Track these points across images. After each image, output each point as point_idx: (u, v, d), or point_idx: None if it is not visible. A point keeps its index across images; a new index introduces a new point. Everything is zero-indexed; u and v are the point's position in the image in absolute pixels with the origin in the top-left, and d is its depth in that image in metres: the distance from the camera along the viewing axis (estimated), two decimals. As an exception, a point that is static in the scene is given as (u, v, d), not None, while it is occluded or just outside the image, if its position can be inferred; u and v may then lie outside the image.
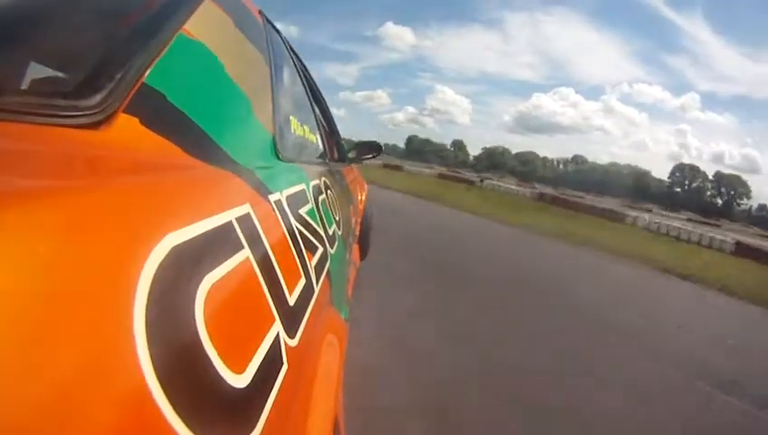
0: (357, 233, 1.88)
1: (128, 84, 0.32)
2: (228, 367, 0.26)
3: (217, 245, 0.30)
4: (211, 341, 0.25)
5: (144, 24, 0.39)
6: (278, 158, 0.62)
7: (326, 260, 0.67)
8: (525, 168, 73.28)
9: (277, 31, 0.91)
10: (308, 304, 0.48)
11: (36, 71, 0.35)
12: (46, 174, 0.22)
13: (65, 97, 0.30)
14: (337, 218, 0.95)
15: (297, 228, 0.53)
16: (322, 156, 1.24)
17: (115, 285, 0.20)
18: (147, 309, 0.21)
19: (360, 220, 2.06)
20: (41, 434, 0.15)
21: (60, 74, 0.36)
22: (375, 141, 2.10)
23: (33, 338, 0.16)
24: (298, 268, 0.48)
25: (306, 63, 1.31)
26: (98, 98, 0.30)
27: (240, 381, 0.27)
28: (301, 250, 0.51)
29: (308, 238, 0.58)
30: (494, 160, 75.01)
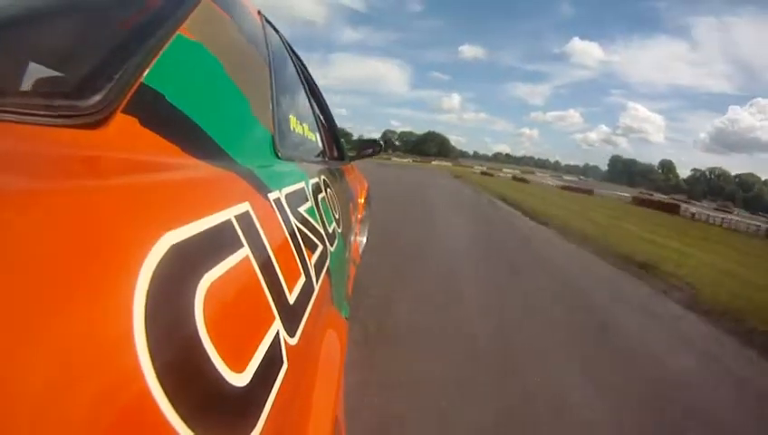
0: (357, 231, 1.88)
1: (127, 84, 0.32)
2: (228, 366, 0.26)
3: (217, 243, 0.30)
4: (211, 339, 0.25)
5: (143, 25, 0.39)
6: (277, 156, 0.62)
7: (326, 258, 0.67)
8: (747, 193, 61.28)
9: (276, 30, 0.91)
10: (308, 302, 0.49)
11: (36, 71, 0.35)
12: (46, 174, 0.22)
13: (64, 97, 0.30)
14: (337, 216, 0.95)
15: (297, 227, 0.53)
16: (322, 154, 1.24)
17: (115, 283, 0.21)
18: (146, 307, 0.21)
19: (360, 218, 2.06)
20: (41, 433, 0.16)
21: (59, 74, 0.36)
22: (375, 139, 2.10)
23: (33, 337, 0.16)
24: (298, 266, 0.48)
25: (306, 63, 1.31)
26: (97, 98, 0.30)
27: (240, 379, 0.28)
28: (300, 248, 0.51)
29: (308, 236, 0.58)
30: (711, 184, 64.34)
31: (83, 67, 0.33)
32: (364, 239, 2.63)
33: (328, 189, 0.95)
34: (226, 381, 0.26)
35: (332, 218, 0.88)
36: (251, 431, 0.28)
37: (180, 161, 0.35)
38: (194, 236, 0.27)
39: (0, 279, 0.16)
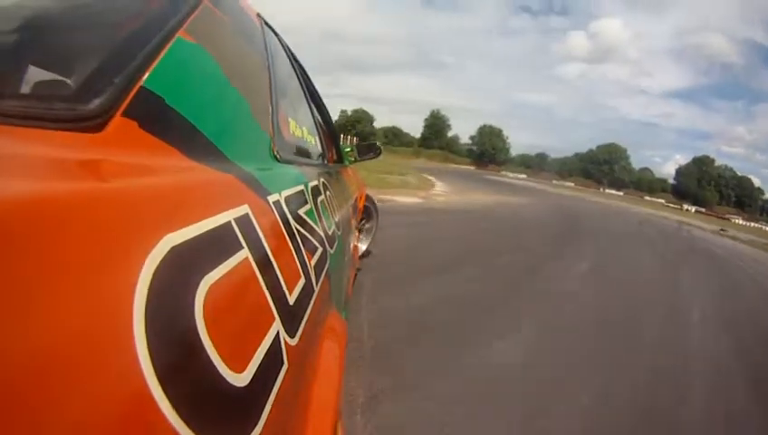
0: (356, 233, 1.88)
1: (127, 88, 0.33)
2: (229, 366, 0.27)
3: (217, 245, 0.31)
4: (211, 340, 0.25)
5: (143, 28, 0.39)
6: (276, 159, 0.62)
7: (325, 260, 0.68)
8: None
9: (276, 33, 0.91)
10: (308, 303, 0.49)
11: (36, 75, 0.36)
12: (46, 177, 0.23)
13: (65, 100, 0.31)
14: (336, 219, 0.95)
15: (296, 229, 0.53)
16: (321, 157, 1.24)
17: (116, 285, 0.21)
18: (146, 309, 0.21)
19: (359, 219, 2.06)
20: (41, 433, 0.16)
21: (59, 78, 0.36)
22: (374, 143, 2.11)
23: (33, 339, 0.16)
24: (297, 268, 0.48)
25: (305, 66, 1.31)
26: (97, 101, 0.30)
27: (240, 380, 0.28)
28: (300, 250, 0.51)
29: (307, 239, 0.58)
30: None
31: (84, 70, 0.33)
32: (364, 247, 2.63)
33: (327, 192, 0.95)
34: (227, 382, 0.26)
35: (332, 221, 0.88)
36: (251, 431, 0.28)
37: (180, 164, 0.36)
38: (194, 238, 0.28)
39: (1, 282, 0.16)
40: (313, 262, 0.58)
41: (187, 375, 0.23)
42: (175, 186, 0.32)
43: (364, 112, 53.80)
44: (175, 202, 0.30)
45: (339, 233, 0.94)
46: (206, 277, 0.27)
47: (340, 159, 1.71)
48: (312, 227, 0.64)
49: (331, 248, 0.77)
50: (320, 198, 0.82)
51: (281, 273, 0.41)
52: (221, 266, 0.30)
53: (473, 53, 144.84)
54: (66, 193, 0.22)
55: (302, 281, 0.48)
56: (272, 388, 0.32)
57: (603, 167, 57.38)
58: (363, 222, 2.58)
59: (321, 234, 0.71)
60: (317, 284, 0.56)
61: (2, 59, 0.34)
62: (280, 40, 0.96)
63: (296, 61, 1.17)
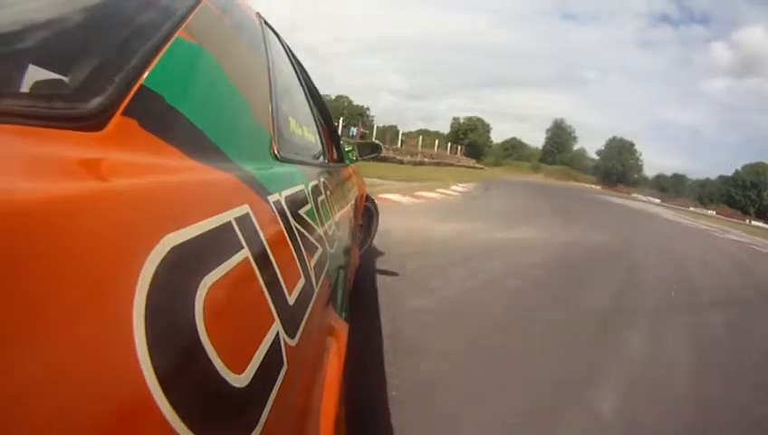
0: (357, 233, 1.88)
1: (127, 87, 0.33)
2: (228, 367, 0.26)
3: (217, 245, 0.30)
4: (211, 341, 0.25)
5: (143, 27, 0.39)
6: (277, 159, 0.62)
7: (326, 260, 0.68)
8: None
9: (275, 32, 0.91)
10: (308, 304, 0.49)
11: (36, 73, 0.36)
12: (46, 176, 0.23)
13: (65, 99, 0.31)
14: (336, 219, 0.95)
15: (296, 229, 0.53)
16: (321, 156, 1.24)
17: (115, 285, 0.21)
18: (146, 309, 0.21)
19: (360, 220, 2.06)
20: (41, 433, 0.16)
21: (59, 77, 0.36)
22: (375, 141, 2.11)
23: (32, 338, 0.16)
24: (297, 268, 0.48)
25: (305, 65, 1.31)
26: (97, 100, 0.30)
27: (240, 380, 0.28)
28: (300, 250, 0.51)
29: (307, 238, 0.58)
30: None
31: (84, 69, 0.33)
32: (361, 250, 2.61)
33: (327, 192, 0.95)
34: (227, 383, 0.26)
35: (332, 221, 0.88)
36: (251, 432, 0.28)
37: (180, 164, 0.36)
38: (194, 238, 0.28)
39: (0, 282, 0.16)
40: (313, 262, 0.58)
41: (187, 376, 0.23)
42: (175, 185, 0.32)
43: (479, 120, 48.47)
44: (175, 202, 0.30)
45: (339, 233, 0.94)
46: (207, 277, 0.27)
47: (340, 158, 1.71)
48: (312, 227, 0.64)
49: (332, 248, 0.77)
50: (320, 198, 0.82)
51: (281, 273, 0.41)
52: (221, 267, 0.29)
53: (607, 65, 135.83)
54: (66, 192, 0.22)
55: (302, 281, 0.48)
56: (271, 389, 0.32)
57: (750, 192, 46.09)
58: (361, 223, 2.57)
59: (322, 234, 0.70)
60: (317, 284, 0.56)
61: (1, 58, 0.34)
62: (279, 39, 0.96)
63: (296, 60, 1.17)
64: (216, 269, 0.29)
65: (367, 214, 2.59)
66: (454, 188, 10.49)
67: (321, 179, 0.94)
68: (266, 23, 0.83)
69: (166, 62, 0.37)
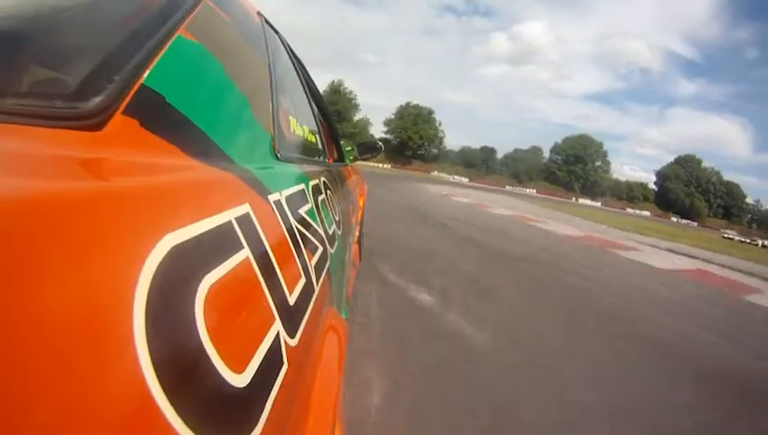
0: (357, 233, 1.88)
1: (127, 86, 0.32)
2: (228, 367, 0.26)
3: (217, 245, 0.30)
4: (211, 340, 0.25)
5: (143, 26, 0.39)
6: (277, 158, 0.62)
7: (326, 260, 0.67)
8: None
9: (276, 32, 0.91)
10: (308, 303, 0.49)
11: (36, 72, 0.36)
12: (46, 176, 0.23)
13: (65, 99, 0.31)
14: (337, 218, 0.95)
15: (297, 228, 0.53)
16: (322, 156, 1.24)
17: (116, 284, 0.21)
18: (147, 309, 0.21)
19: (360, 220, 2.06)
20: (41, 433, 0.16)
21: (60, 76, 0.36)
22: (375, 141, 2.11)
23: (32, 338, 0.16)
24: (298, 268, 0.48)
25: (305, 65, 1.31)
26: (97, 99, 0.30)
27: (240, 380, 0.28)
28: (300, 250, 0.51)
29: (308, 238, 0.58)
30: None
31: (84, 68, 0.33)
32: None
33: (328, 191, 0.95)
34: (227, 382, 0.26)
35: (332, 220, 0.88)
36: (251, 432, 0.28)
37: (180, 163, 0.35)
38: (194, 237, 0.27)
39: (0, 281, 0.16)
40: (314, 261, 0.58)
41: (187, 375, 0.23)
42: (175, 184, 0.32)
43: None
44: (175, 201, 0.30)
45: (339, 232, 0.94)
46: (207, 277, 0.27)
47: (341, 157, 1.71)
48: (312, 227, 0.64)
49: (332, 248, 0.77)
50: (320, 197, 0.82)
51: (281, 272, 0.41)
52: (222, 266, 0.29)
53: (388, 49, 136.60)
54: (66, 192, 0.22)
55: (302, 281, 0.48)
56: (271, 388, 0.32)
57: (575, 167, 42.56)
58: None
59: (322, 233, 0.70)
60: (317, 283, 0.56)
61: (1, 57, 0.33)
62: (280, 38, 0.96)
63: (297, 59, 1.16)
64: (217, 268, 0.29)
65: None
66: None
67: (322, 179, 0.94)
68: (267, 21, 0.83)
69: (166, 61, 0.37)
